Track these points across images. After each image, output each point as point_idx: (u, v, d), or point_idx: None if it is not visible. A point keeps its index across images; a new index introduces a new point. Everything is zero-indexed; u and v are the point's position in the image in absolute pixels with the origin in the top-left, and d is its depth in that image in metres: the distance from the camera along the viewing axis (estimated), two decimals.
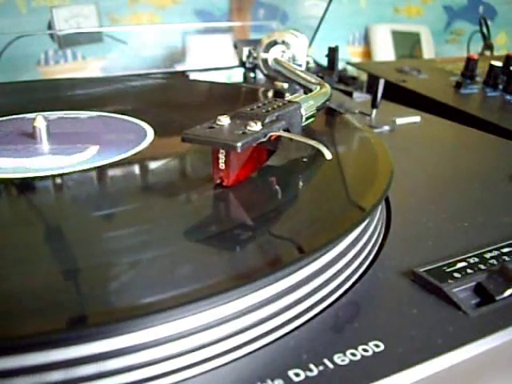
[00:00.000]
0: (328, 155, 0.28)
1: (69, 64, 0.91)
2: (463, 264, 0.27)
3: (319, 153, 0.28)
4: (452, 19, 1.39)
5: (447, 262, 0.27)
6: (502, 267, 0.25)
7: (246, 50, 0.65)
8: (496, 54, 0.98)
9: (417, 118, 0.54)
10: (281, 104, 0.32)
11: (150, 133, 0.38)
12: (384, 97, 0.53)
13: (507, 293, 0.24)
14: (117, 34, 0.86)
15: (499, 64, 0.66)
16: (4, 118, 0.42)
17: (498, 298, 0.24)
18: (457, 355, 0.21)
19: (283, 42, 0.53)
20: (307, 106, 0.34)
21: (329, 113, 0.45)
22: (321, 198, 0.30)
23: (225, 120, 0.29)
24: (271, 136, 0.29)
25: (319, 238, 0.24)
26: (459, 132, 0.51)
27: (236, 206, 0.29)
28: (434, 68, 0.77)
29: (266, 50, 0.52)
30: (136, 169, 0.33)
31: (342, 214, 0.28)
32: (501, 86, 0.65)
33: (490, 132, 0.50)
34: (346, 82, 0.69)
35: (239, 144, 0.26)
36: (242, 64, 0.67)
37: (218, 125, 0.29)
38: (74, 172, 0.31)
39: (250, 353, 0.21)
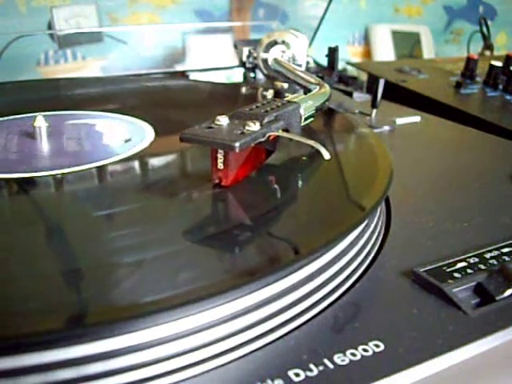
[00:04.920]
0: (326, 155, 0.28)
1: (69, 64, 0.91)
2: (463, 264, 0.26)
3: (318, 153, 0.28)
4: (452, 19, 1.39)
5: (447, 262, 0.27)
6: (502, 267, 0.25)
7: (246, 50, 0.65)
8: (496, 53, 0.98)
9: (417, 118, 0.54)
10: (280, 104, 0.32)
11: (150, 132, 0.38)
12: (384, 97, 0.52)
13: (507, 293, 0.24)
14: (117, 34, 0.86)
15: (499, 64, 0.66)
16: (4, 118, 0.42)
17: (497, 298, 0.24)
18: (457, 355, 0.21)
19: (283, 42, 0.52)
20: (306, 106, 0.34)
21: (328, 113, 0.45)
22: (320, 197, 0.30)
23: (223, 120, 0.29)
24: (270, 136, 0.29)
25: (319, 237, 0.24)
26: (459, 132, 0.51)
27: (235, 206, 0.29)
28: (434, 68, 0.77)
29: (266, 49, 0.52)
30: (136, 168, 0.33)
31: (341, 214, 0.28)
32: (501, 86, 0.65)
33: (490, 132, 0.50)
34: (346, 82, 0.69)
35: (237, 144, 0.26)
36: (242, 64, 0.67)
37: (216, 125, 0.29)
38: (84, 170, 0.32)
39: (250, 353, 0.21)
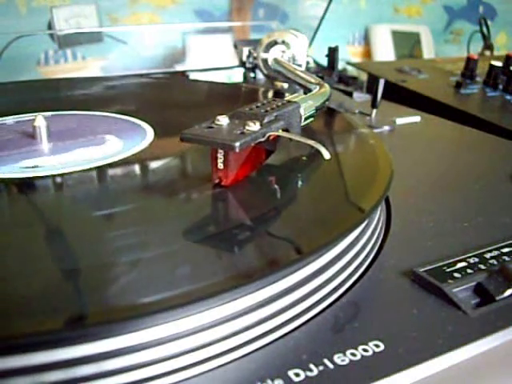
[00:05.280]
0: (326, 155, 0.28)
1: (69, 64, 0.91)
2: (463, 264, 0.26)
3: (318, 153, 0.28)
4: (452, 19, 1.39)
5: (447, 262, 0.27)
6: (502, 267, 0.25)
7: (246, 50, 0.65)
8: (496, 53, 0.98)
9: (417, 118, 0.54)
10: (280, 104, 0.32)
11: (150, 133, 0.38)
12: (384, 97, 0.53)
13: (507, 293, 0.24)
14: (117, 34, 0.86)
15: (499, 64, 0.66)
16: (4, 118, 0.42)
17: (497, 298, 0.24)
18: (457, 355, 0.21)
19: (283, 42, 0.53)
20: (306, 106, 0.34)
21: (328, 113, 0.45)
22: (320, 197, 0.30)
23: (223, 120, 0.29)
24: (270, 136, 0.29)
25: (319, 238, 0.24)
26: (459, 132, 0.51)
27: (234, 205, 0.29)
28: (434, 68, 0.77)
29: (266, 50, 0.52)
30: (136, 169, 0.33)
31: (341, 214, 0.28)
32: (501, 86, 0.65)
33: (490, 132, 0.50)
34: (346, 82, 0.69)
35: (237, 144, 0.26)
36: (242, 64, 0.67)
37: (216, 125, 0.29)
38: (77, 171, 0.31)
39: (250, 353, 0.21)
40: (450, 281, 0.25)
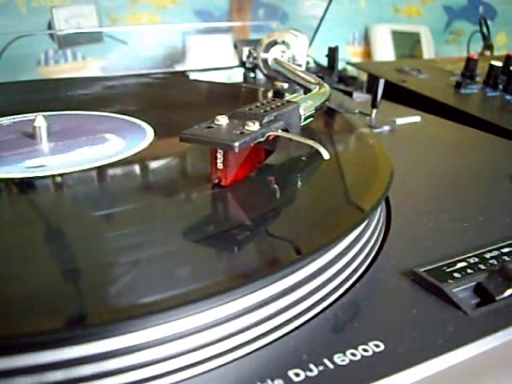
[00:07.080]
0: (326, 155, 0.28)
1: (69, 64, 0.91)
2: (463, 264, 0.26)
3: (318, 153, 0.28)
4: (452, 19, 1.39)
5: (447, 262, 0.27)
6: (502, 267, 0.25)
7: (246, 50, 0.65)
8: (496, 53, 0.98)
9: (417, 118, 0.54)
10: (279, 104, 0.32)
11: (150, 133, 0.38)
12: (384, 97, 0.52)
13: (507, 293, 0.24)
14: (117, 34, 0.86)
15: (499, 64, 0.66)
16: (4, 118, 0.42)
17: (497, 298, 0.24)
18: (457, 355, 0.21)
19: (283, 42, 0.53)
20: (306, 106, 0.34)
21: (328, 113, 0.45)
22: (320, 198, 0.30)
23: (223, 120, 0.29)
24: (269, 136, 0.29)
25: (319, 238, 0.24)
26: (459, 132, 0.51)
27: (234, 206, 0.29)
28: (434, 68, 0.77)
29: (266, 50, 0.52)
30: (136, 169, 0.33)
31: (341, 215, 0.28)
32: (501, 86, 0.65)
33: (490, 132, 0.50)
34: (346, 82, 0.69)
35: (237, 144, 0.26)
36: (242, 64, 0.67)
37: (216, 125, 0.29)
38: (80, 171, 0.31)
39: (250, 353, 0.21)
40: (450, 281, 0.25)
